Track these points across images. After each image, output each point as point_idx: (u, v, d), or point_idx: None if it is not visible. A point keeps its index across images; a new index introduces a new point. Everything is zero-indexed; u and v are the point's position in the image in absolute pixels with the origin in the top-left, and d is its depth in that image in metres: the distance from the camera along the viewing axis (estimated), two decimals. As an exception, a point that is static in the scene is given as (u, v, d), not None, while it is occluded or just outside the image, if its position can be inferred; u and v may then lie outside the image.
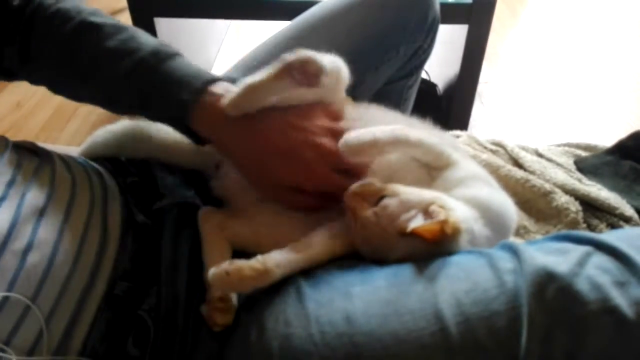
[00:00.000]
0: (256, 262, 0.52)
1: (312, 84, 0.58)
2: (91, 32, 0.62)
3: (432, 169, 0.62)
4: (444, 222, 0.51)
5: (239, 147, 0.60)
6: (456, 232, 0.52)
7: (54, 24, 0.62)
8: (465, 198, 0.57)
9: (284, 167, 0.59)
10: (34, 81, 0.68)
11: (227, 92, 0.59)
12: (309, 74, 0.57)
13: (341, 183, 0.58)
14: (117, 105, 0.65)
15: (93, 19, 0.62)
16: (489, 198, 0.58)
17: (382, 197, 0.54)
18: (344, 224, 0.57)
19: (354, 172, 0.60)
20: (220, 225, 0.61)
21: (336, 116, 0.63)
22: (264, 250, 0.55)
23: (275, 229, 0.61)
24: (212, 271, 0.51)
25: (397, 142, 0.59)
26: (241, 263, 0.52)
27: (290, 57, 0.57)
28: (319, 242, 0.57)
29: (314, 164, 0.59)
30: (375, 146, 0.58)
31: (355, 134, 0.58)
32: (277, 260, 0.53)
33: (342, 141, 0.58)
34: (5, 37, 0.63)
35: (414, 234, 0.51)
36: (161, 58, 0.60)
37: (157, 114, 0.63)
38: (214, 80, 0.60)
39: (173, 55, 0.61)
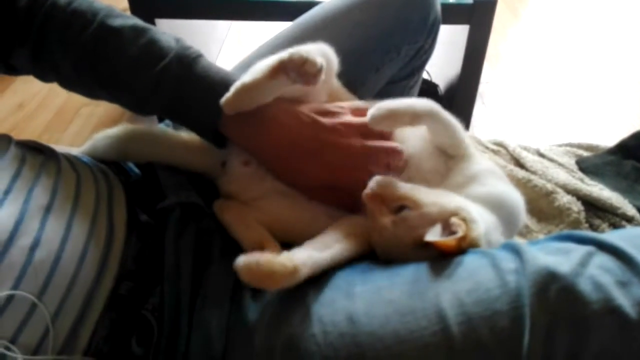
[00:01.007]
0: (285, 259, 0.50)
1: (309, 83, 0.57)
2: (110, 38, 0.60)
3: (449, 159, 0.62)
4: (461, 239, 0.51)
5: (270, 149, 0.61)
6: (474, 246, 0.52)
7: (71, 30, 0.61)
8: (481, 197, 0.57)
9: (314, 168, 0.60)
10: (45, 80, 0.67)
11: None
12: (306, 73, 0.57)
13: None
14: (143, 111, 0.65)
15: (111, 22, 0.61)
16: (503, 195, 0.59)
17: (402, 206, 0.53)
18: (363, 219, 0.58)
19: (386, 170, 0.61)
20: (240, 212, 0.62)
21: (361, 113, 0.63)
22: (278, 238, 0.57)
23: (287, 218, 0.62)
24: (242, 260, 0.49)
25: (431, 115, 0.60)
26: (271, 257, 0.49)
27: (284, 55, 0.56)
28: (342, 243, 0.57)
29: (343, 165, 0.60)
30: (408, 114, 0.58)
31: (390, 102, 0.58)
32: (303, 259, 0.52)
33: (374, 108, 0.58)
34: (15, 37, 0.62)
35: (429, 245, 0.51)
36: (186, 64, 0.60)
37: (186, 121, 0.64)
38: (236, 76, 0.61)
39: (195, 58, 0.61)
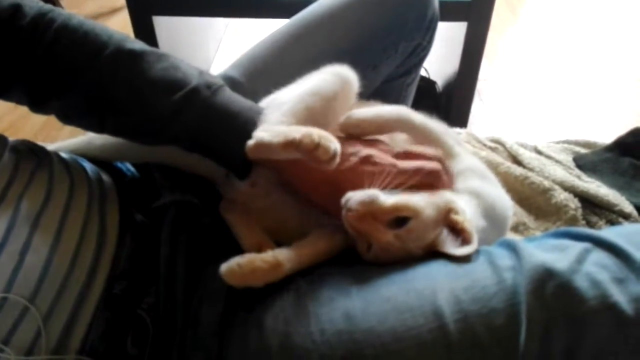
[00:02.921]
0: (267, 255, 0.53)
1: (320, 166, 0.53)
2: (131, 61, 0.56)
3: None
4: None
5: (305, 178, 0.57)
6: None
7: (86, 51, 0.56)
8: (460, 189, 0.57)
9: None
10: (43, 112, 0.60)
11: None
12: (318, 159, 0.52)
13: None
14: (158, 139, 0.59)
15: (130, 45, 0.57)
16: (482, 189, 0.59)
17: (399, 218, 0.52)
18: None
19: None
20: (243, 214, 0.62)
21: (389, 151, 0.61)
22: (281, 242, 0.57)
23: (290, 224, 0.62)
24: (224, 265, 0.51)
25: (400, 121, 0.60)
26: (253, 256, 0.52)
27: (296, 137, 0.52)
28: (327, 237, 0.58)
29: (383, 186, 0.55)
30: (377, 122, 0.59)
31: (359, 110, 0.59)
32: (287, 254, 0.54)
33: (346, 115, 0.59)
34: (15, 68, 0.56)
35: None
36: (213, 91, 0.57)
37: (210, 149, 0.59)
38: (262, 110, 0.59)
39: (221, 86, 0.58)
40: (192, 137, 0.58)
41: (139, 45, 0.58)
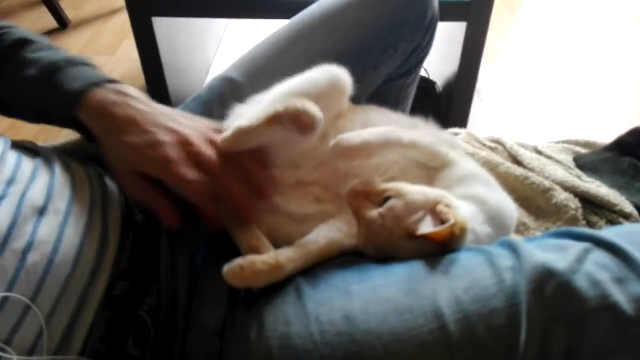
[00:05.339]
0: (268, 257, 0.53)
1: (305, 134, 0.57)
2: (21, 46, 0.61)
3: (430, 170, 0.62)
4: (453, 226, 0.51)
5: (109, 141, 0.57)
6: (463, 231, 0.52)
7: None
8: (464, 196, 0.57)
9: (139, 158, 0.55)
10: None
11: (117, 92, 0.57)
12: (303, 125, 0.56)
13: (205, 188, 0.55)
14: (21, 109, 0.63)
15: (31, 37, 0.62)
16: (487, 196, 0.59)
17: (387, 198, 0.54)
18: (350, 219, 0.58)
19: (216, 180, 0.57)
20: None
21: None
22: (278, 246, 0.57)
23: (286, 228, 0.62)
24: (227, 267, 0.52)
25: (389, 144, 0.60)
26: (254, 258, 0.53)
27: (280, 108, 0.55)
28: (327, 237, 0.58)
29: (176, 160, 0.54)
30: (365, 148, 0.59)
31: (347, 136, 0.59)
32: (288, 255, 0.54)
33: (333, 143, 0.58)
34: None
35: (423, 237, 0.51)
36: (71, 63, 0.59)
37: (48, 108, 0.60)
38: (109, 81, 0.59)
39: (83, 62, 0.60)
40: (39, 100, 0.60)
41: (40, 39, 0.62)
